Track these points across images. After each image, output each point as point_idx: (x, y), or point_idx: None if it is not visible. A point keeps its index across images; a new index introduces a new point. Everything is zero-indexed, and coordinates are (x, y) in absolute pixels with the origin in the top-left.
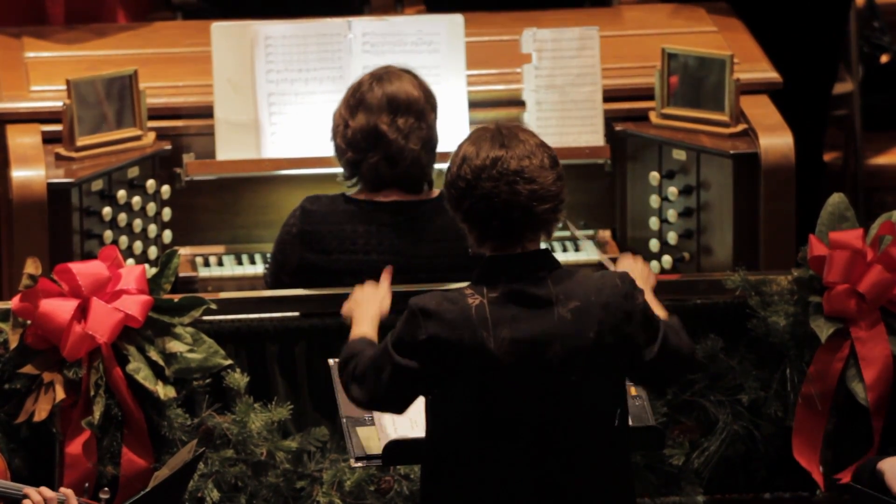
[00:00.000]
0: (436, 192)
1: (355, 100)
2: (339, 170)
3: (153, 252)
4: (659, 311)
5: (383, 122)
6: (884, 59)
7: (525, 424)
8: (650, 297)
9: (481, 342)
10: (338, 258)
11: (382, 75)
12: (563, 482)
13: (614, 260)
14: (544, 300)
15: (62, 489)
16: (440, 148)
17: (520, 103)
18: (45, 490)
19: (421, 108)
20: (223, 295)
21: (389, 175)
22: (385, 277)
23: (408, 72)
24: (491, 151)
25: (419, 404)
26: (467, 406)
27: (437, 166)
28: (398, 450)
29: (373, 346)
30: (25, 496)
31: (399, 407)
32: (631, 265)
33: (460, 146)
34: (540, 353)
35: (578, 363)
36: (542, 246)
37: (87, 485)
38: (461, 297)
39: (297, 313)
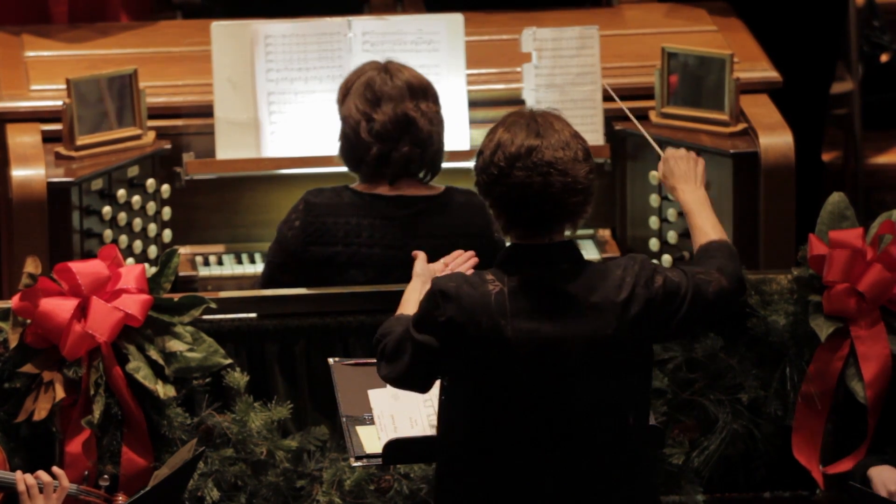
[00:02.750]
0: (441, 187)
1: (372, 94)
2: (339, 169)
3: (153, 251)
4: (710, 229)
5: (410, 108)
6: (884, 58)
7: (539, 416)
8: (702, 201)
9: (498, 330)
10: (342, 251)
11: (387, 67)
12: (578, 476)
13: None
14: (565, 293)
15: (54, 468)
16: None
17: (520, 102)
18: (43, 474)
19: (434, 92)
20: (223, 294)
21: (418, 162)
22: (418, 262)
23: (403, 67)
24: (526, 140)
25: (418, 400)
26: (482, 394)
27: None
28: (398, 449)
29: (402, 326)
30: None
31: (421, 386)
32: (676, 161)
33: (494, 131)
34: (557, 345)
35: (596, 357)
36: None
37: (86, 472)
38: (482, 282)
39: (297, 312)
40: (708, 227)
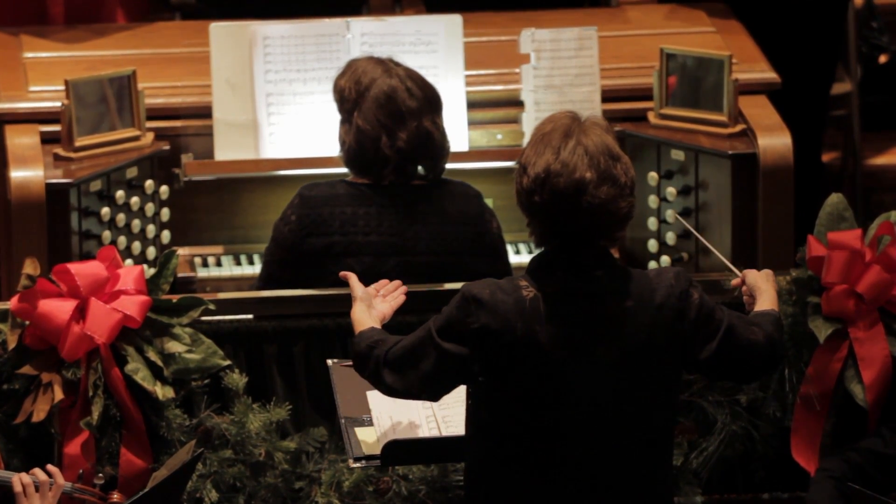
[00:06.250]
0: None
1: (395, 107)
2: (338, 170)
3: (152, 252)
4: (768, 304)
5: (428, 124)
6: (882, 59)
7: (572, 421)
8: (771, 293)
9: (533, 336)
10: (338, 240)
11: (401, 75)
12: (607, 480)
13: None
14: (599, 298)
15: (49, 466)
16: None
17: (518, 103)
18: (38, 472)
19: (441, 99)
20: (221, 295)
21: (428, 172)
22: (353, 283)
23: (400, 64)
24: (566, 154)
25: (417, 401)
26: (515, 399)
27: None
28: (397, 450)
29: (388, 335)
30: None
31: (437, 394)
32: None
33: (536, 140)
34: (591, 351)
35: (630, 363)
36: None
37: (81, 471)
38: (515, 288)
39: (295, 314)
40: (767, 304)
